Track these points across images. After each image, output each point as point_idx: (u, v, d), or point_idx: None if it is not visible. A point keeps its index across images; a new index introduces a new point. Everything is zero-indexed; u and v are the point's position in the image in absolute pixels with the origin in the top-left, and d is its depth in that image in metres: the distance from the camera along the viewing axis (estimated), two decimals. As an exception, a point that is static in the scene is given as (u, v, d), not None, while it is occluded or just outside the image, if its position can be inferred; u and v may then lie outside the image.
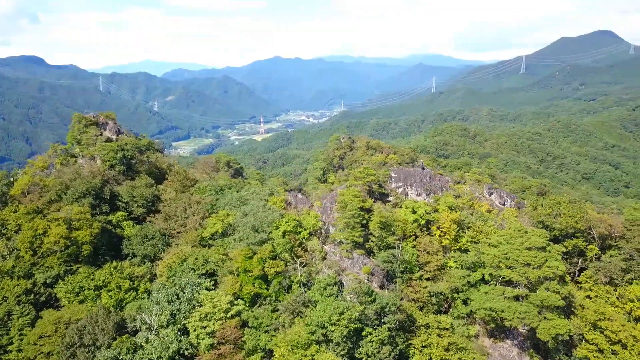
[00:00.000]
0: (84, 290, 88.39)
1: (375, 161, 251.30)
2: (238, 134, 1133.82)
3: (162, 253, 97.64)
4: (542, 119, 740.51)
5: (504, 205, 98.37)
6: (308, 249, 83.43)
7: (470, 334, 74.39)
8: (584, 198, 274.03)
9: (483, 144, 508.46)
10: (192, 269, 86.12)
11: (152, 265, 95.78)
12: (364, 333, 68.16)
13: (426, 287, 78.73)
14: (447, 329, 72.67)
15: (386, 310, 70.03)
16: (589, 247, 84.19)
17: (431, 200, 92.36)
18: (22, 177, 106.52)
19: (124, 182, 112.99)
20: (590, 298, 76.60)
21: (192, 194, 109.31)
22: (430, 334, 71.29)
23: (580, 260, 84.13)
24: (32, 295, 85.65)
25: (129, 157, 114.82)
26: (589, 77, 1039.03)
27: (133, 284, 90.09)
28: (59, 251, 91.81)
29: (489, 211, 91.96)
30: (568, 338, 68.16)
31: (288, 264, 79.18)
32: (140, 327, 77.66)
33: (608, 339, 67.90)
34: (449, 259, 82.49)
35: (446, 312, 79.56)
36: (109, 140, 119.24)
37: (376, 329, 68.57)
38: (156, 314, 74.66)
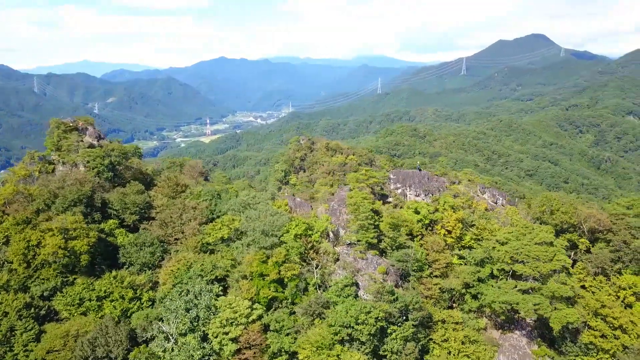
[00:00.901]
0: (85, 301, 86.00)
1: (336, 162, 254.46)
2: (184, 136, 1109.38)
3: (162, 260, 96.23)
4: (484, 118, 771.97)
5: (496, 203, 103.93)
6: (320, 252, 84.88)
7: (480, 327, 78.69)
8: (531, 194, 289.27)
9: (432, 144, 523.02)
10: (200, 275, 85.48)
11: (152, 273, 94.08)
12: (389, 330, 70.59)
13: (437, 284, 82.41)
14: (460, 323, 76.61)
15: (410, 307, 72.85)
16: (580, 240, 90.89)
17: (429, 201, 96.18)
18: (5, 186, 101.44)
19: (110, 189, 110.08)
20: (585, 288, 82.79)
21: (185, 200, 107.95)
22: (446, 329, 74.95)
23: (572, 253, 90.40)
24: (32, 309, 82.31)
25: (116, 163, 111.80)
26: (525, 78, 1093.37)
27: (135, 293, 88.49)
28: (54, 262, 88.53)
29: (487, 210, 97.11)
30: (577, 326, 73.79)
31: (303, 266, 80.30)
32: (154, 336, 76.62)
33: (610, 325, 74.15)
34: (453, 256, 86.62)
35: (451, 307, 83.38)
36: (91, 146, 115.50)
37: (400, 326, 71.25)
38: (174, 322, 73.79)
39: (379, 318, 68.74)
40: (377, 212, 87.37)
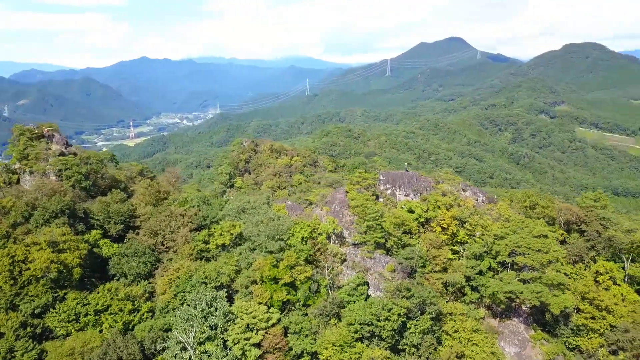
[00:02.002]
0: (81, 316, 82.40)
1: (282, 164, 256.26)
2: (105, 139, 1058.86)
3: (155, 270, 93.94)
4: (411, 118, 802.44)
5: (477, 200, 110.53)
6: (326, 253, 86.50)
7: (479, 317, 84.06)
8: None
9: (367, 144, 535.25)
10: (204, 282, 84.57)
11: (148, 284, 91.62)
12: (408, 325, 73.82)
13: (439, 278, 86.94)
14: (464, 314, 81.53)
15: (426, 302, 76.48)
16: (558, 231, 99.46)
17: (418, 200, 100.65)
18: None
19: (85, 198, 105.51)
20: (568, 275, 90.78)
21: (171, 207, 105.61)
22: (455, 320, 79.53)
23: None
24: (29, 327, 77.72)
25: (93, 171, 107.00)
26: (446, 79, 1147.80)
27: (133, 304, 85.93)
28: (42, 277, 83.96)
29: (474, 207, 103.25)
30: (569, 310, 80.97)
31: (313, 268, 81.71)
32: (166, 347, 75.16)
33: (597, 307, 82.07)
34: (447, 252, 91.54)
35: (448, 300, 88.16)
36: (62, 154, 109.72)
37: (418, 320, 74.69)
38: (191, 331, 72.83)
39: (401, 314, 71.99)
40: (381, 213, 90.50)
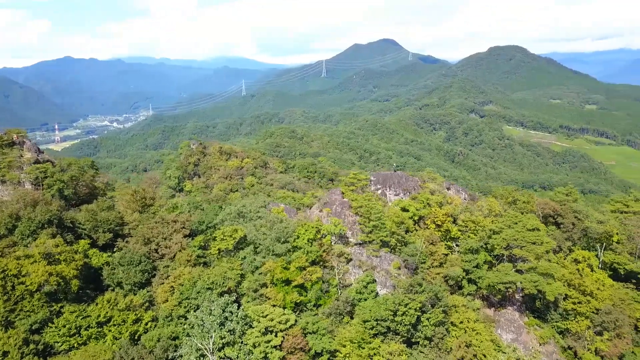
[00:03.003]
0: (82, 329, 79.42)
1: (232, 166, 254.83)
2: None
3: (152, 277, 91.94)
4: (349, 118, 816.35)
5: (461, 197, 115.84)
6: (331, 253, 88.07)
7: (477, 307, 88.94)
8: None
9: (310, 144, 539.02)
10: (209, 288, 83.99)
11: (147, 292, 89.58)
12: (422, 318, 77.02)
13: (438, 273, 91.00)
14: (465, 306, 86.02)
15: (438, 296, 80.00)
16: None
17: (407, 199, 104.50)
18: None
19: (67, 207, 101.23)
20: (550, 262, 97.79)
21: (161, 213, 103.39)
22: (458, 312, 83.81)
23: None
24: (31, 344, 73.99)
25: (75, 178, 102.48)
26: (380, 80, 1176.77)
27: (136, 314, 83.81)
28: (37, 291, 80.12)
29: (462, 204, 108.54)
30: (560, 296, 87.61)
31: (322, 269, 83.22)
32: (181, 355, 74.37)
33: (582, 293, 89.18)
34: (442, 247, 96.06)
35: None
36: (37, 161, 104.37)
37: (431, 313, 78.09)
38: (211, 337, 72.48)
39: (417, 308, 75.21)
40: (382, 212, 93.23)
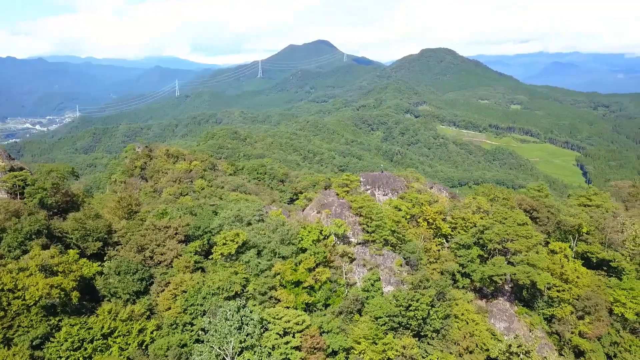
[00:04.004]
0: (85, 342, 76.64)
1: (181, 169, 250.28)
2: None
3: (150, 286, 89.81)
4: (289, 119, 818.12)
5: (445, 196, 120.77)
6: (333, 253, 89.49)
7: (470, 299, 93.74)
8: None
9: (254, 145, 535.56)
10: (215, 293, 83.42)
11: (148, 300, 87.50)
12: (431, 312, 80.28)
13: (435, 268, 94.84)
14: (460, 299, 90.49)
15: (445, 290, 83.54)
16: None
17: (395, 198, 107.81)
18: None
19: (51, 217, 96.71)
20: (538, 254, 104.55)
21: (143, 220, 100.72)
22: (458, 304, 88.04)
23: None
24: (39, 362, 70.48)
25: (56, 186, 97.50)
26: (316, 81, 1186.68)
27: (139, 324, 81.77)
28: (33, 305, 76.37)
29: (446, 202, 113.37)
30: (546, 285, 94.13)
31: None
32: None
33: (565, 281, 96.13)
34: (434, 244, 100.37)
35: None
36: (12, 169, 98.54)
37: (439, 307, 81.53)
38: (230, 342, 72.25)
39: (428, 303, 78.46)
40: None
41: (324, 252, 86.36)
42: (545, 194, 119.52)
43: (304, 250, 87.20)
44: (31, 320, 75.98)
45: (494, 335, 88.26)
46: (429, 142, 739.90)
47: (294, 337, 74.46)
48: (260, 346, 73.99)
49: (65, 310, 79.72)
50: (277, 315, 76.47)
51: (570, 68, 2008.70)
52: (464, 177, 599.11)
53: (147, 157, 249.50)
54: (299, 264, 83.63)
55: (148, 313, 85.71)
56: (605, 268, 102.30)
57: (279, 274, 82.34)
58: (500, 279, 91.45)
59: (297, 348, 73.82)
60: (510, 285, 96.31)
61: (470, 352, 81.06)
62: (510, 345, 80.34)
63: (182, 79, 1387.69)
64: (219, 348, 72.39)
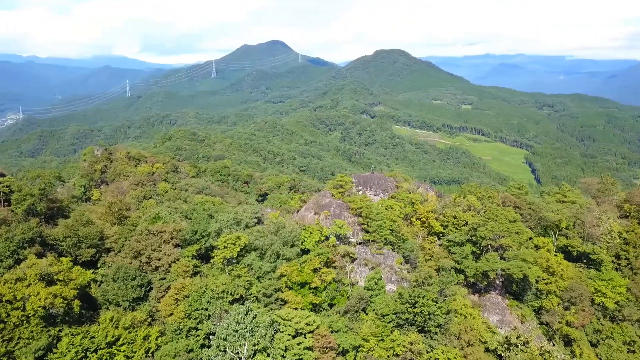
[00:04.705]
0: (90, 352, 74.61)
1: (143, 172, 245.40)
2: None
3: (149, 291, 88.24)
4: (246, 120, 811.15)
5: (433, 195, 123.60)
6: (334, 253, 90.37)
7: (464, 294, 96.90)
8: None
9: (213, 147, 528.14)
10: (220, 297, 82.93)
11: (149, 307, 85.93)
12: (434, 308, 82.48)
13: (431, 266, 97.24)
14: (457, 294, 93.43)
15: (447, 286, 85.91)
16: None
17: (387, 198, 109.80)
18: None
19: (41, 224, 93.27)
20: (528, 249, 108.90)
21: (134, 225, 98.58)
22: (456, 299, 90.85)
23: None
24: (45, 376, 68.01)
25: (43, 192, 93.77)
26: (272, 81, 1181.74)
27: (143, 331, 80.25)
28: (32, 316, 73.76)
29: (435, 201, 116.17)
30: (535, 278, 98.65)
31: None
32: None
33: (551, 274, 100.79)
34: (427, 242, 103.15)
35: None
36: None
37: (442, 303, 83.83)
38: (244, 345, 72.11)
39: (433, 299, 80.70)
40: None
41: (328, 253, 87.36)
42: (525, 191, 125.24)
43: (306, 252, 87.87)
44: (31, 332, 73.41)
45: (489, 328, 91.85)
46: (386, 142, 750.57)
47: (305, 337, 75.00)
48: (273, 348, 74.14)
49: (64, 320, 77.36)
50: (286, 316, 76.79)
51: (515, 69, 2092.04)
52: (421, 176, 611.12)
53: (107, 160, 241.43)
54: (304, 265, 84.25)
55: (149, 319, 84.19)
56: (585, 260, 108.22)
57: (284, 275, 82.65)
58: (494, 274, 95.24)
59: (309, 348, 74.39)
60: (500, 280, 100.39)
61: (470, 345, 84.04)
62: (507, 337, 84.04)
63: (133, 79, 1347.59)
64: (232, 352, 72.05)
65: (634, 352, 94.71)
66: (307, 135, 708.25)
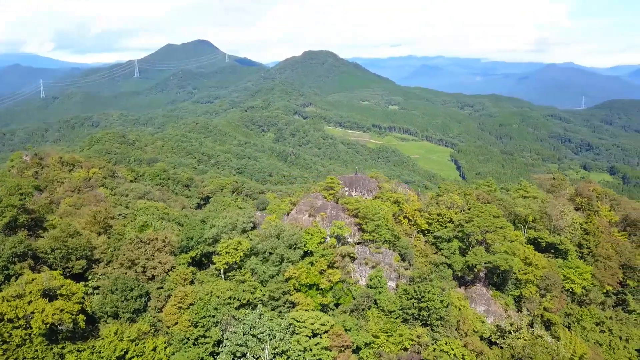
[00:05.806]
0: (98, 367, 71.51)
1: (79, 177, 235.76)
2: None
3: (148, 301, 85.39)
4: (174, 121, 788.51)
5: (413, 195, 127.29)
6: (336, 254, 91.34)
7: (452, 287, 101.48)
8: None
9: (144, 149, 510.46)
10: (227, 303, 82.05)
11: (152, 318, 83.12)
12: (438, 302, 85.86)
13: (423, 261, 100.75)
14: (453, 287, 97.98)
15: (446, 281, 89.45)
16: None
17: (371, 198, 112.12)
18: None
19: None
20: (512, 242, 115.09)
21: (121, 234, 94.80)
22: (450, 292, 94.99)
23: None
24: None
25: (24, 203, 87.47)
26: (199, 82, 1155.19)
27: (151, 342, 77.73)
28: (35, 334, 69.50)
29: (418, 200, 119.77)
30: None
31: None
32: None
33: (527, 264, 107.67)
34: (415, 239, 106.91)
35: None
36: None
37: (443, 297, 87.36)
38: (265, 349, 72.08)
39: (437, 294, 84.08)
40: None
41: (332, 254, 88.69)
42: (494, 188, 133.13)
43: (309, 254, 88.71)
44: (36, 351, 68.76)
45: (478, 318, 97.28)
46: (319, 142, 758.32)
47: (320, 337, 76.02)
48: (292, 350, 74.50)
49: (67, 336, 73.06)
50: (301, 318, 77.40)
51: (436, 71, 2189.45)
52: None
53: (37, 165, 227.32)
54: (312, 266, 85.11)
55: (153, 330, 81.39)
56: (552, 251, 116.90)
57: (292, 278, 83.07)
58: (481, 267, 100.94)
59: (327, 348, 75.50)
60: (484, 272, 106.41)
61: (468, 335, 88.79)
62: (501, 325, 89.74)
63: (48, 79, 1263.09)
64: (253, 356, 71.70)
65: (603, 331, 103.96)
66: (241, 136, 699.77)
